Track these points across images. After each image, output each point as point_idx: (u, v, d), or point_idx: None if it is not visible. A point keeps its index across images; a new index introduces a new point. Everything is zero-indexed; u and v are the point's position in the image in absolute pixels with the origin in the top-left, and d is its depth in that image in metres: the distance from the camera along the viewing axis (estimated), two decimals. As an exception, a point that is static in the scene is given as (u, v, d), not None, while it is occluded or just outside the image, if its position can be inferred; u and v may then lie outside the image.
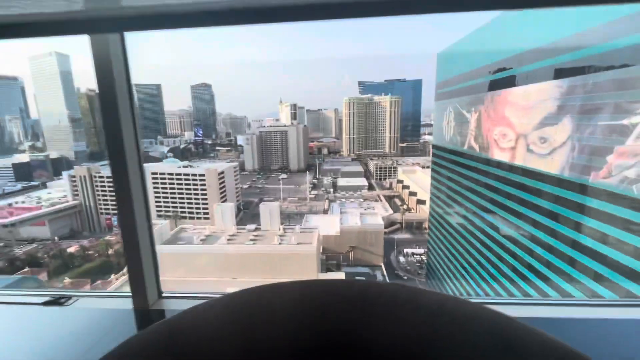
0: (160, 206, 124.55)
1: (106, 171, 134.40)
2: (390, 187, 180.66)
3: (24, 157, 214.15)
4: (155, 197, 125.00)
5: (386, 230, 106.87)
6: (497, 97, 40.36)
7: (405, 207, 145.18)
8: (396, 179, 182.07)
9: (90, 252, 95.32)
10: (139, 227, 2.71)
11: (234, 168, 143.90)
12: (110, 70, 2.38)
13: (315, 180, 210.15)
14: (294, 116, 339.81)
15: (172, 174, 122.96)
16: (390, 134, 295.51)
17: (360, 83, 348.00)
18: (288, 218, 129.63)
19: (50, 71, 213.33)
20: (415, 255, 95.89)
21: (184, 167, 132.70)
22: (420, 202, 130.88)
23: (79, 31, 2.04)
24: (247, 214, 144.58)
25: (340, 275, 50.28)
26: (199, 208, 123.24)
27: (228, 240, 52.27)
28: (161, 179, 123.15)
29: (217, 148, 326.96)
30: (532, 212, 33.31)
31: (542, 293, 31.65)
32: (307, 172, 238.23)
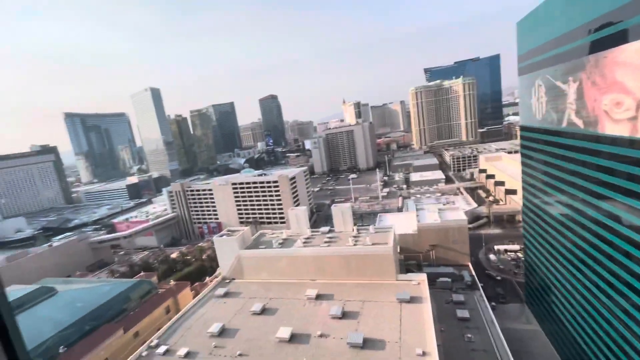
0: (242, 213, 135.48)
1: (195, 185, 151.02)
2: (472, 178, 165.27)
3: (133, 179, 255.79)
4: (237, 205, 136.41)
5: (471, 225, 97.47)
6: (604, 59, 33.00)
7: (491, 198, 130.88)
8: (478, 168, 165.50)
9: (188, 257, 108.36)
10: None
11: (304, 172, 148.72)
12: None
13: (386, 178, 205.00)
14: (358, 114, 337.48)
15: (249, 183, 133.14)
16: (466, 120, 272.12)
17: (426, 70, 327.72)
18: (361, 218, 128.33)
19: (147, 104, 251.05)
20: (509, 253, 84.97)
21: (259, 175, 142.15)
22: (510, 192, 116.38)
23: None
24: (320, 216, 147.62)
25: (421, 276, 47.00)
26: (274, 213, 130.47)
27: (304, 243, 53.38)
28: (240, 188, 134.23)
29: (287, 155, 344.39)
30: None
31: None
32: (377, 169, 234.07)
